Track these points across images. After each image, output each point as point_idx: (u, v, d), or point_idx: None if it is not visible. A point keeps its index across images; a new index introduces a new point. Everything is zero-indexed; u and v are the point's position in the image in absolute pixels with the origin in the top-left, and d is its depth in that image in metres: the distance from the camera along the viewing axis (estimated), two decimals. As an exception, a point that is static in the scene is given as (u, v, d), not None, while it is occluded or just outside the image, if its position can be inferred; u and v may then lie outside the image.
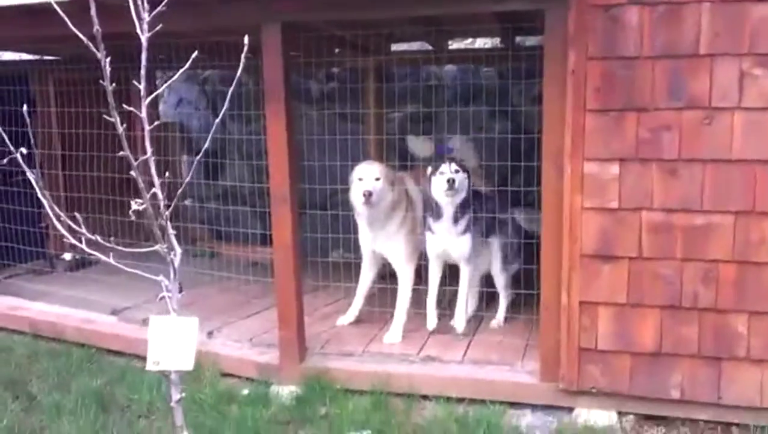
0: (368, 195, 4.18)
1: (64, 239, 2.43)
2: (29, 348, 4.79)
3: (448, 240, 4.28)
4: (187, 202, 7.42)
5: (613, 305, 3.52)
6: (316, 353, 4.21)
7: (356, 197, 4.31)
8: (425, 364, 4.06)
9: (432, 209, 4.29)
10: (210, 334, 4.55)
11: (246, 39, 2.35)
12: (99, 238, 2.35)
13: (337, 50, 5.81)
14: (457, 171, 4.20)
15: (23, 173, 2.34)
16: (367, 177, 4.27)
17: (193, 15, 3.89)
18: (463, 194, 4.22)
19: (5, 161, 2.27)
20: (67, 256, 6.20)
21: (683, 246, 3.37)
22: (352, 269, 4.78)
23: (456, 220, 4.22)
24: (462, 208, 4.22)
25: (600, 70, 3.34)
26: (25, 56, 6.63)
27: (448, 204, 4.19)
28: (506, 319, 4.59)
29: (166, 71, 7.48)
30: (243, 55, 2.35)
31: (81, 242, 2.31)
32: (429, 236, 4.34)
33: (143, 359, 4.37)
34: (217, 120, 2.52)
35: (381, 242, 4.50)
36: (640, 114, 3.32)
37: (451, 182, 4.10)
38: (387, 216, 4.40)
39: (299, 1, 3.71)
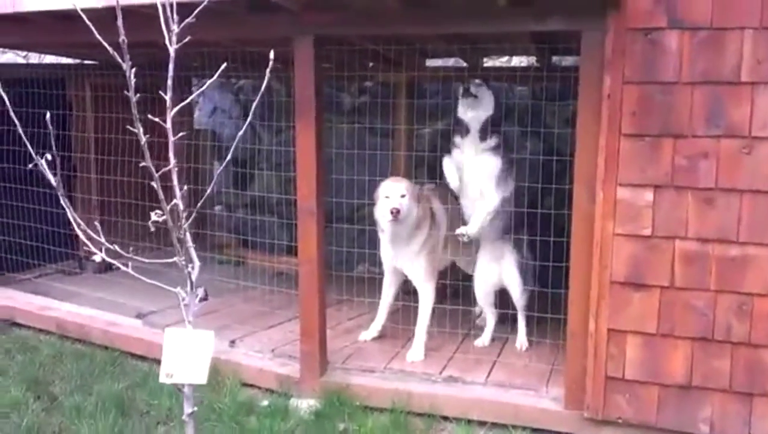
0: (395, 213, 4.12)
1: (85, 246, 2.43)
2: (55, 348, 4.84)
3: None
4: (217, 209, 7.46)
5: (643, 335, 3.44)
6: (337, 367, 4.18)
7: (382, 215, 4.26)
8: (447, 384, 4.00)
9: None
10: (232, 343, 4.55)
11: (272, 54, 2.33)
12: (117, 247, 2.33)
13: (371, 64, 5.80)
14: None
15: (54, 175, 2.35)
16: (394, 194, 4.22)
17: (225, 26, 3.92)
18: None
19: (32, 164, 2.27)
20: (97, 258, 6.24)
21: (717, 277, 3.27)
22: (377, 284, 4.73)
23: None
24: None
25: (637, 94, 3.27)
26: (64, 60, 6.74)
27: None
28: (531, 342, 4.50)
29: (201, 79, 7.55)
30: (268, 70, 2.33)
31: (101, 250, 2.30)
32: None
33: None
34: (241, 131, 2.50)
35: (402, 259, 4.46)
36: (676, 140, 3.25)
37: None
38: (410, 234, 4.36)
39: (331, 15, 3.70)
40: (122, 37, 2.03)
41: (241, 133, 2.59)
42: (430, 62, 6.12)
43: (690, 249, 3.30)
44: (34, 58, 7.94)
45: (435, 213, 4.52)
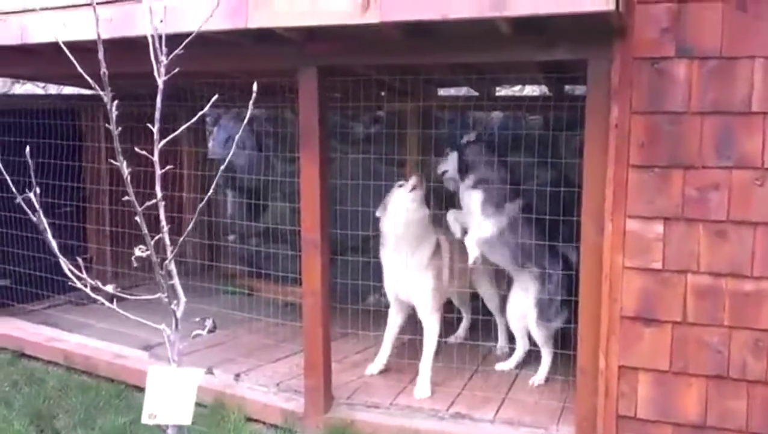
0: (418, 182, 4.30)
1: (82, 279, 2.40)
2: (61, 380, 4.79)
3: None
4: (230, 238, 7.45)
5: (655, 372, 3.31)
6: (342, 403, 4.09)
7: (394, 214, 4.32)
8: (455, 421, 3.89)
9: None
10: (237, 377, 4.48)
11: (255, 85, 2.30)
12: (99, 283, 2.30)
13: (382, 93, 5.78)
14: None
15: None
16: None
17: (230, 57, 3.92)
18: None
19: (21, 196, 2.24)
20: (109, 288, 6.22)
21: (731, 313, 3.15)
22: (386, 317, 4.65)
23: None
24: None
25: (645, 124, 3.19)
26: (82, 91, 6.80)
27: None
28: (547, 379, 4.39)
29: (214, 109, 7.59)
30: (251, 102, 2.30)
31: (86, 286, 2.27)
32: None
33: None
34: (234, 157, 2.45)
35: (406, 281, 4.37)
36: (686, 172, 3.16)
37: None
38: (415, 245, 4.32)
39: (334, 45, 3.67)
40: (103, 70, 1.99)
41: (242, 160, 2.49)
42: (443, 92, 6.09)
43: (702, 283, 3.19)
44: (54, 89, 8.05)
45: (439, 241, 4.46)
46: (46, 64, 4.52)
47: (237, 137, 5.21)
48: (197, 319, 5.53)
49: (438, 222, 4.62)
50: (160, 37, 2.23)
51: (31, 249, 5.70)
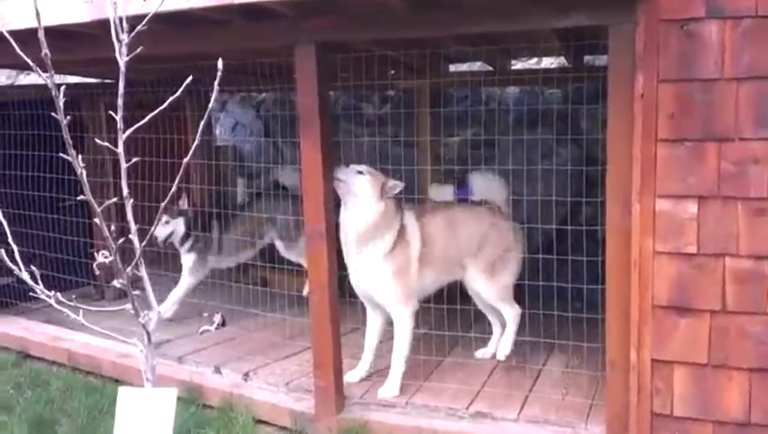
0: (339, 181, 3.80)
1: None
2: (66, 381, 4.62)
3: None
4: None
5: (692, 366, 3.03)
6: (355, 402, 3.85)
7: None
8: (475, 421, 3.64)
9: None
10: (246, 376, 4.26)
11: (220, 63, 2.05)
12: (60, 295, 2.07)
13: (392, 72, 5.49)
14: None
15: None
16: (349, 170, 3.90)
17: (221, 37, 3.66)
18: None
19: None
20: (116, 283, 6.05)
21: (776, 299, 2.86)
22: None
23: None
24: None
25: (674, 93, 2.89)
26: (85, 80, 6.61)
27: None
28: (566, 373, 4.11)
29: (220, 94, 7.35)
30: (216, 83, 2.05)
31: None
32: None
33: (176, 399, 4.16)
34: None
35: (364, 274, 3.96)
36: (721, 144, 2.86)
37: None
38: (368, 237, 3.85)
39: (332, 19, 3.39)
40: (45, 51, 1.76)
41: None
42: (454, 67, 5.78)
43: (742, 268, 2.90)
44: (59, 78, 7.87)
45: (406, 228, 3.99)
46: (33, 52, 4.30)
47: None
48: (206, 314, 5.34)
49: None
50: (120, 19, 1.96)
51: (36, 246, 5.54)
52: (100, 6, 3.40)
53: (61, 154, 2.06)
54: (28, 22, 3.72)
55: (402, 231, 3.96)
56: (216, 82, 2.05)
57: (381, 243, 3.88)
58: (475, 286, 4.25)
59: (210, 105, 2.11)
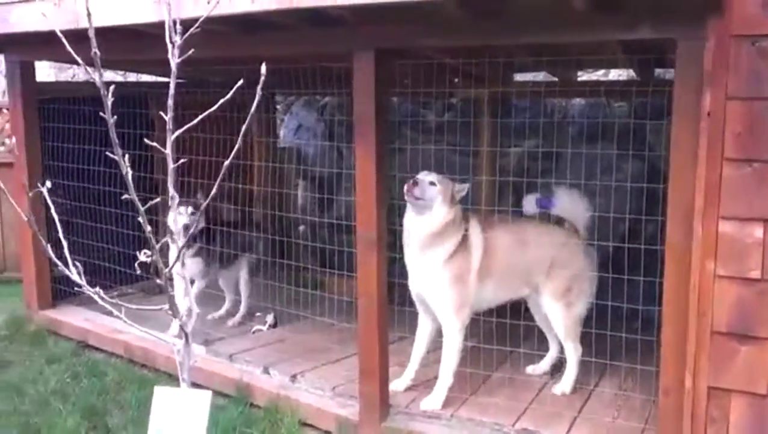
0: (411, 187, 3.75)
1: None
2: (121, 373, 4.74)
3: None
4: (300, 229, 7.29)
5: (751, 395, 2.88)
6: (400, 412, 3.83)
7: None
8: (521, 437, 3.58)
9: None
10: (293, 378, 4.29)
11: (263, 68, 2.05)
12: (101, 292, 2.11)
13: (455, 80, 5.45)
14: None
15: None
16: (422, 179, 3.85)
17: (285, 41, 3.71)
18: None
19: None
20: (158, 282, 6.18)
21: (844, 331, 2.71)
22: None
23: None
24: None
25: (742, 112, 2.75)
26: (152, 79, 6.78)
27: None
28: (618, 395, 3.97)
29: (286, 96, 7.44)
30: (259, 87, 2.06)
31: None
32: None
33: (225, 396, 4.22)
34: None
35: (422, 278, 3.92)
36: (791, 167, 2.72)
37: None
38: (432, 241, 3.82)
39: (392, 27, 3.38)
40: (94, 50, 1.79)
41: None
42: (520, 77, 5.70)
43: (810, 296, 2.75)
44: (133, 76, 8.09)
45: (469, 238, 3.92)
46: (106, 50, 4.44)
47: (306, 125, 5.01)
48: (258, 314, 5.40)
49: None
50: (174, 21, 2.00)
51: (99, 239, 5.70)
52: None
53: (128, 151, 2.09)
54: (100, 20, 3.86)
55: (465, 240, 3.89)
56: (259, 87, 2.05)
57: (442, 249, 3.83)
58: (549, 313, 4.09)
59: (252, 107, 2.10)
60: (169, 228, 4.15)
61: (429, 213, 3.80)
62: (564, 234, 4.11)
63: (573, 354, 4.08)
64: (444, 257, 3.83)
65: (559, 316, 4.02)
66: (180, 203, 4.60)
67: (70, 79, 9.29)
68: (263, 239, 5.63)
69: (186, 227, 4.69)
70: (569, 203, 4.24)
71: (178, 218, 4.76)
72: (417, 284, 3.96)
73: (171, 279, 2.20)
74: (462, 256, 3.86)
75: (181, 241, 4.68)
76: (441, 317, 3.92)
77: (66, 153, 5.70)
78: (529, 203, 4.42)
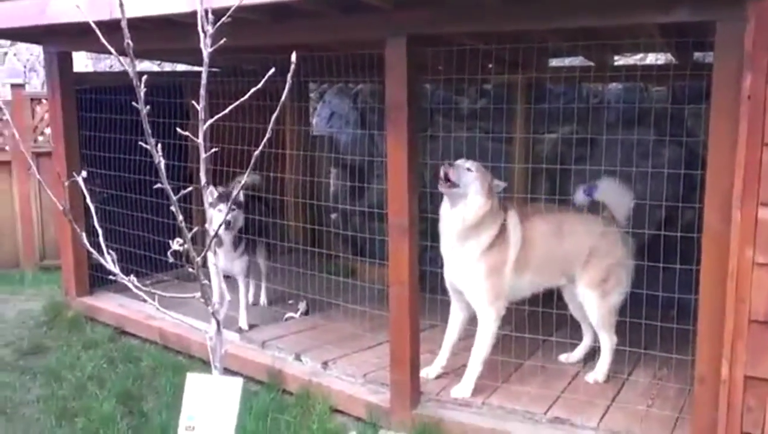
0: (445, 176, 3.71)
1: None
2: (156, 359, 4.81)
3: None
4: (333, 216, 7.31)
5: (789, 386, 2.84)
6: (431, 399, 3.83)
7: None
8: (553, 426, 3.55)
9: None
10: (325, 365, 4.31)
11: (294, 56, 2.04)
12: (134, 280, 2.12)
13: (489, 66, 5.39)
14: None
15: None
16: (458, 164, 3.81)
17: (317, 29, 3.70)
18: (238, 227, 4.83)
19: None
20: (190, 270, 6.23)
21: None
22: None
23: (235, 245, 4.97)
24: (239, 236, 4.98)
25: (784, 95, 2.69)
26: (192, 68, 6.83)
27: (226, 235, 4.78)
28: (653, 383, 3.92)
29: (320, 85, 7.44)
30: (290, 75, 2.05)
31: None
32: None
33: (258, 382, 4.25)
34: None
35: (457, 269, 3.89)
36: (834, 152, 2.64)
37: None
38: (468, 233, 3.77)
39: (425, 12, 3.35)
40: (127, 41, 1.80)
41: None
42: (556, 62, 5.62)
43: None
44: (168, 66, 8.17)
45: (507, 228, 3.87)
46: (139, 40, 4.48)
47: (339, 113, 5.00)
48: (291, 301, 5.43)
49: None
50: (206, 11, 2.00)
51: (136, 228, 5.77)
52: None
53: (164, 140, 2.10)
54: (133, 10, 3.89)
55: (503, 231, 3.85)
56: (290, 75, 2.04)
57: (478, 240, 3.79)
58: (584, 302, 4.02)
59: (283, 95, 2.10)
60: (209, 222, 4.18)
61: (464, 203, 3.76)
62: (602, 223, 4.04)
63: (607, 343, 4.03)
64: (480, 250, 3.80)
65: (594, 305, 3.96)
66: (219, 199, 4.62)
67: (107, 69, 9.43)
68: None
69: (228, 224, 4.63)
70: (613, 192, 4.16)
71: (217, 215, 4.69)
72: (452, 275, 3.94)
73: (206, 267, 2.21)
74: (499, 248, 3.82)
75: (226, 237, 4.79)
76: (476, 307, 3.89)
77: (103, 142, 5.77)
78: (578, 194, 4.32)
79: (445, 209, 3.87)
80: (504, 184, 3.89)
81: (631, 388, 3.92)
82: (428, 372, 4.09)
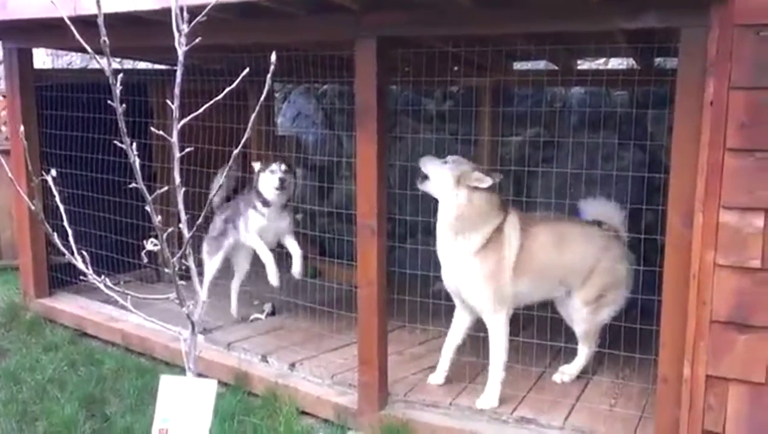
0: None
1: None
2: (119, 362, 4.73)
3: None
4: (298, 217, 7.27)
5: (748, 384, 2.89)
6: (398, 400, 3.84)
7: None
8: (519, 426, 3.59)
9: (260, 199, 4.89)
10: (292, 366, 4.29)
11: (273, 57, 2.03)
12: (91, 274, 2.09)
13: (455, 68, 5.43)
14: (286, 171, 4.75)
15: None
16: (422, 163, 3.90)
17: (287, 29, 3.69)
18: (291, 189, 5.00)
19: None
20: (166, 270, 6.15)
21: (843, 322, 2.71)
22: (448, 309, 4.26)
23: (284, 206, 4.99)
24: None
25: (746, 102, 2.74)
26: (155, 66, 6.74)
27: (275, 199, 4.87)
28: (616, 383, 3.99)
29: (285, 85, 7.40)
30: (269, 76, 2.04)
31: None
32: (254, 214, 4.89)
33: (224, 384, 4.21)
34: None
35: (456, 272, 3.79)
36: (794, 157, 2.71)
37: (282, 181, 4.66)
38: (462, 227, 3.68)
39: (396, 15, 3.37)
40: (103, 38, 1.77)
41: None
42: (519, 65, 5.68)
43: (809, 287, 2.75)
44: (129, 64, 8.05)
45: (503, 231, 3.74)
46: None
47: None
48: (256, 302, 5.39)
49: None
50: (180, 8, 1.97)
51: (97, 228, 5.67)
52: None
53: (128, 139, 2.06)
54: (104, 7, 3.83)
55: (498, 233, 3.73)
56: (268, 76, 2.03)
57: (469, 240, 3.69)
58: (574, 314, 4.01)
59: (263, 95, 2.09)
60: (259, 192, 4.65)
61: (441, 199, 3.76)
62: (604, 237, 3.97)
63: (585, 351, 4.04)
64: (472, 250, 3.69)
65: (583, 319, 3.97)
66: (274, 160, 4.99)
67: (66, 66, 9.26)
68: None
69: (282, 181, 4.80)
70: (599, 212, 4.14)
71: (270, 177, 4.83)
72: (448, 278, 3.86)
73: (186, 268, 2.18)
74: (494, 250, 3.70)
75: (278, 198, 4.81)
76: (482, 314, 3.81)
77: (63, 140, 5.66)
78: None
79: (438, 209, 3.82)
80: (491, 180, 3.69)
81: (596, 388, 3.98)
82: (435, 378, 4.04)
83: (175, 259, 2.06)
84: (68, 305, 5.52)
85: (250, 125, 2.03)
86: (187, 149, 2.08)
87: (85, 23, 2.23)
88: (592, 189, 4.27)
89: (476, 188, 3.68)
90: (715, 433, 2.96)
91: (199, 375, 2.91)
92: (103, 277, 2.11)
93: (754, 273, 2.83)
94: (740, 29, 2.72)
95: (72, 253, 2.06)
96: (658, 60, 5.04)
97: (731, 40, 2.74)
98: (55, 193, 2.08)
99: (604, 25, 3.20)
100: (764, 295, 2.82)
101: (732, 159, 2.81)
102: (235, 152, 2.06)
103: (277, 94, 7.45)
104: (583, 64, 5.63)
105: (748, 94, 2.75)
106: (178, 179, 2.03)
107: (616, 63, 5.64)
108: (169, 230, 2.07)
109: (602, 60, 5.63)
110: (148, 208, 1.99)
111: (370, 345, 3.69)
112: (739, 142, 2.78)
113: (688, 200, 2.94)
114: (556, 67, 5.32)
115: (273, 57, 2.02)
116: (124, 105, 1.89)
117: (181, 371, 4.43)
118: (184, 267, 2.45)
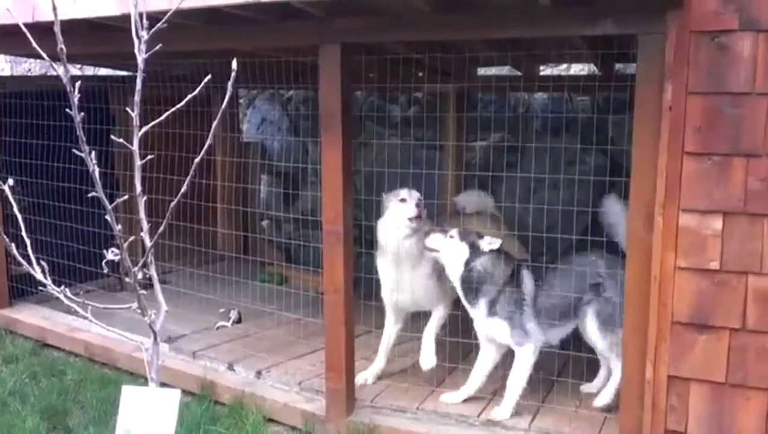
0: (419, 211, 3.81)
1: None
2: (81, 373, 4.65)
3: None
4: (264, 223, 7.25)
5: (709, 384, 2.94)
6: (365, 406, 3.84)
7: (401, 217, 3.89)
8: (486, 429, 3.62)
9: None
10: (259, 374, 4.27)
11: (234, 63, 2.03)
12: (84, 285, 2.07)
13: (419, 74, 5.46)
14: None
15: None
16: (411, 198, 3.90)
17: (251, 35, 3.68)
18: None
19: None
20: (139, 275, 6.08)
21: (799, 320, 2.77)
22: (423, 313, 4.31)
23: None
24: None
25: (702, 107, 2.80)
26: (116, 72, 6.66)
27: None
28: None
29: (250, 91, 7.37)
30: (230, 83, 2.04)
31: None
32: None
33: (189, 393, 4.17)
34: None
35: (409, 290, 4.03)
36: (749, 160, 2.76)
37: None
38: (420, 255, 3.93)
39: (359, 21, 3.38)
40: (60, 46, 1.75)
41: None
42: (483, 71, 5.74)
43: (766, 286, 2.81)
44: (90, 70, 7.94)
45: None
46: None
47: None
48: (222, 310, 5.34)
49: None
50: (140, 14, 1.96)
51: (59, 237, 5.58)
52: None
53: (88, 147, 2.04)
54: (62, 13, 3.77)
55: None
56: (230, 82, 2.03)
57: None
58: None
59: (224, 103, 2.08)
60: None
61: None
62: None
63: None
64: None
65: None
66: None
67: (25, 73, 9.10)
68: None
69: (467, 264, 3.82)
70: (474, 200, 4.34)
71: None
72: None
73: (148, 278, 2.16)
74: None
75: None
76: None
77: (23, 148, 5.56)
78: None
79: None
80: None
81: (560, 390, 4.01)
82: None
83: (136, 268, 2.04)
84: (29, 316, 5.42)
85: (212, 131, 2.02)
86: (149, 157, 2.06)
87: (45, 30, 2.20)
88: (555, 193, 4.31)
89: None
90: (678, 432, 3.01)
91: (163, 384, 2.89)
92: (63, 287, 2.08)
93: (713, 275, 2.88)
94: (696, 36, 2.78)
95: (30, 263, 2.03)
96: (618, 66, 5.12)
97: (688, 46, 2.80)
98: (13, 202, 2.04)
99: (562, 31, 3.27)
100: (723, 296, 2.87)
101: (690, 163, 2.86)
102: (197, 159, 2.04)
103: (241, 101, 7.42)
104: (546, 70, 5.70)
105: (705, 99, 2.81)
106: (139, 187, 2.02)
107: (578, 69, 5.72)
108: (131, 239, 2.04)
109: (564, 66, 5.71)
110: (108, 217, 1.97)
111: (338, 351, 3.69)
112: (696, 146, 2.84)
113: (649, 203, 3.00)
114: (520, 73, 5.38)
115: (234, 64, 2.01)
116: (83, 113, 1.86)
117: (146, 381, 4.39)
118: (147, 276, 2.44)
